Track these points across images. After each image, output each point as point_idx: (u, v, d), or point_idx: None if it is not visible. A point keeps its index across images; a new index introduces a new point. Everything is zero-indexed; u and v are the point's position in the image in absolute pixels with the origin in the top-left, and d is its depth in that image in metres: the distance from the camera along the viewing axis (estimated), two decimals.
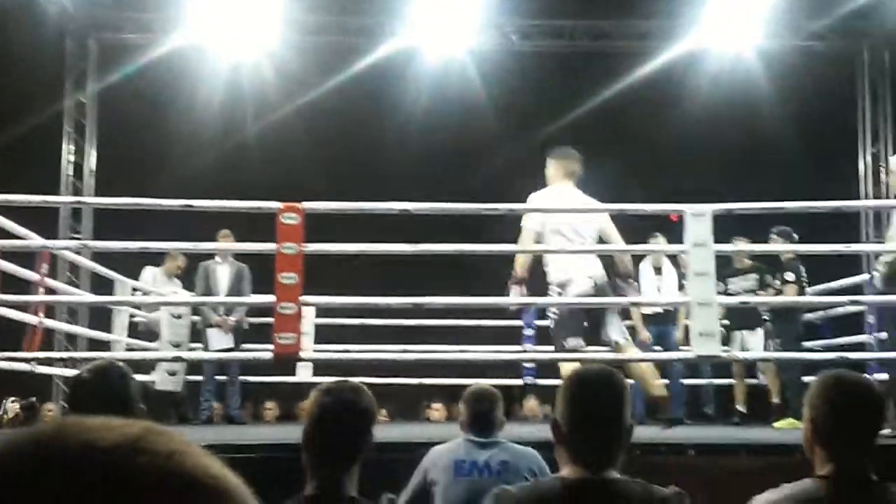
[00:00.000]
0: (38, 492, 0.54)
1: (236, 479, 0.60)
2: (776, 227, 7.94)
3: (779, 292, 8.12)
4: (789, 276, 8.10)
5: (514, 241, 6.32)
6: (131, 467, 0.56)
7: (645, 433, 6.27)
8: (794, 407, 7.58)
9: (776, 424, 7.82)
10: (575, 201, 6.33)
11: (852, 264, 9.72)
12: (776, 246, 7.94)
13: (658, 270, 8.47)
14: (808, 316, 9.06)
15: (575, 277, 6.18)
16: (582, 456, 2.20)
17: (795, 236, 7.93)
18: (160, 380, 8.17)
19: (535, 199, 6.27)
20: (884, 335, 8.84)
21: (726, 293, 8.27)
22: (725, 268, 8.45)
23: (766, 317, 8.36)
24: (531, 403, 9.37)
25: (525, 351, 8.98)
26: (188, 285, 8.61)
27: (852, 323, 9.14)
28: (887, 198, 9.49)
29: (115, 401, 2.69)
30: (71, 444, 0.57)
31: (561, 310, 6.14)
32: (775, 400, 8.37)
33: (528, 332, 9.05)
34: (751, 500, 2.35)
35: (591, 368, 2.35)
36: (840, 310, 9.03)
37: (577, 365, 5.87)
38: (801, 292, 8.12)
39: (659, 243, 8.05)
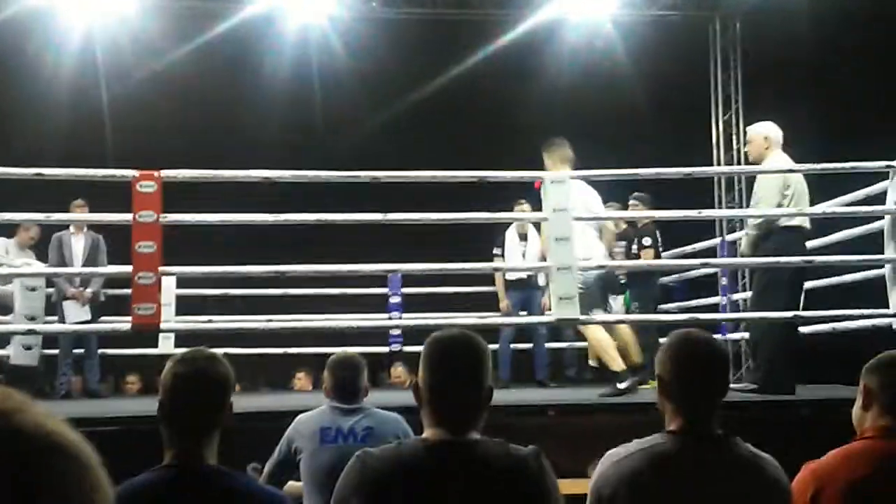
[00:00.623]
0: None
1: (77, 435, 0.61)
2: (634, 192, 8.15)
3: (637, 256, 8.33)
4: (646, 241, 8.31)
5: (379, 209, 6.35)
6: None
7: (508, 396, 6.43)
8: (651, 368, 7.82)
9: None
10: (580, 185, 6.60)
11: (705, 228, 10.07)
12: (633, 213, 8.15)
13: (523, 237, 8.58)
14: (664, 279, 9.33)
15: (595, 255, 6.62)
16: (443, 418, 2.23)
17: (652, 201, 8.16)
18: (15, 354, 7.91)
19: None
20: (742, 295, 9.24)
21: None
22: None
23: (622, 280, 8.56)
24: (398, 370, 9.43)
25: (391, 318, 9.02)
26: (42, 257, 8.35)
27: (706, 284, 9.47)
28: (745, 164, 9.89)
29: None
30: None
31: (588, 284, 6.39)
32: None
33: (395, 299, 9.09)
34: (604, 455, 2.43)
35: (450, 333, 2.37)
36: (694, 273, 9.34)
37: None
38: (657, 256, 8.36)
39: (524, 210, 8.17)
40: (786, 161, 6.49)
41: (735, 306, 9.07)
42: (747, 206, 7.33)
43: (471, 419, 2.24)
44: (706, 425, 2.38)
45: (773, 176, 6.42)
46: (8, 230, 8.39)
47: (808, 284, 6.87)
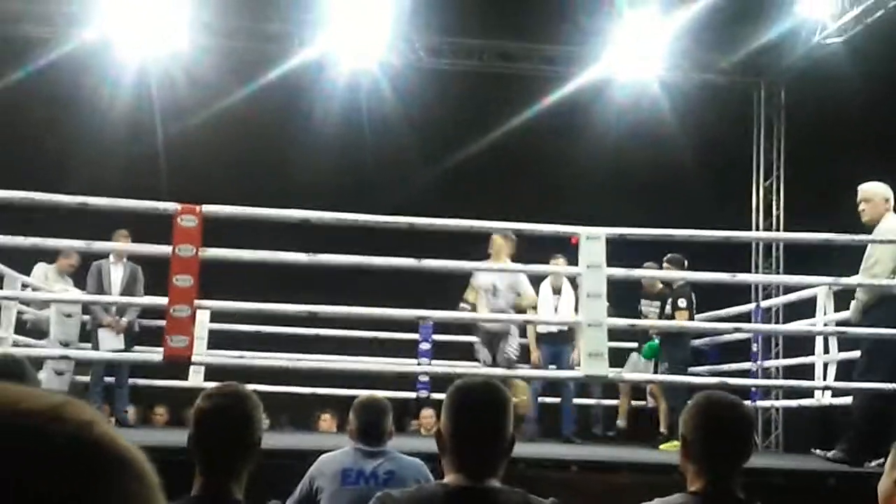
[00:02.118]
0: None
1: (140, 451, 0.63)
2: (668, 254, 8.13)
3: (671, 317, 8.28)
4: (682, 302, 8.26)
5: (416, 255, 6.39)
6: (49, 432, 0.59)
7: (534, 449, 6.39)
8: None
9: (662, 447, 7.97)
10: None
11: (741, 293, 10.00)
12: (667, 273, 8.12)
13: (557, 291, 8.56)
14: (696, 342, 9.27)
15: None
16: (463, 465, 2.23)
17: (685, 262, 8.12)
18: (47, 379, 7.96)
19: None
20: (774, 363, 9.16)
21: (642, 315, 8.47)
22: (639, 290, 8.65)
23: (656, 338, 8.52)
24: (427, 413, 9.42)
25: (420, 364, 9.00)
26: (80, 284, 8.44)
27: (739, 350, 9.39)
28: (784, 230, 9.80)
29: None
30: None
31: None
32: (663, 430, 8.49)
33: (425, 346, 9.08)
34: None
35: (473, 381, 2.39)
36: (726, 337, 9.27)
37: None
38: (691, 318, 8.31)
39: (559, 265, 8.16)
40: None
41: (766, 373, 8.98)
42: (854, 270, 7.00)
43: (491, 467, 2.24)
44: (727, 487, 2.38)
45: (888, 241, 6.26)
46: (50, 257, 8.50)
47: None
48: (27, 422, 0.59)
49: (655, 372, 8.44)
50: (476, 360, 8.05)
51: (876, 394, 6.09)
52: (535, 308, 8.19)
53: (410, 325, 9.07)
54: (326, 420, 9.68)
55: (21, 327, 8.58)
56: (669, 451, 7.38)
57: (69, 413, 0.61)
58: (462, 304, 7.91)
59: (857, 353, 6.80)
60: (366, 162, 11.88)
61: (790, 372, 8.81)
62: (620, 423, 8.84)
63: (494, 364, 7.76)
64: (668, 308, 8.36)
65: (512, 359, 7.90)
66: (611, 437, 8.79)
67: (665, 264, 8.16)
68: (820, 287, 7.52)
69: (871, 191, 6.44)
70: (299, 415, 10.27)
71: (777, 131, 11.68)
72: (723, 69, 11.46)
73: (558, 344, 8.58)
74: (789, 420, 10.14)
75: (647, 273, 7.95)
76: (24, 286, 8.53)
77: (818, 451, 6.08)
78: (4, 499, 0.56)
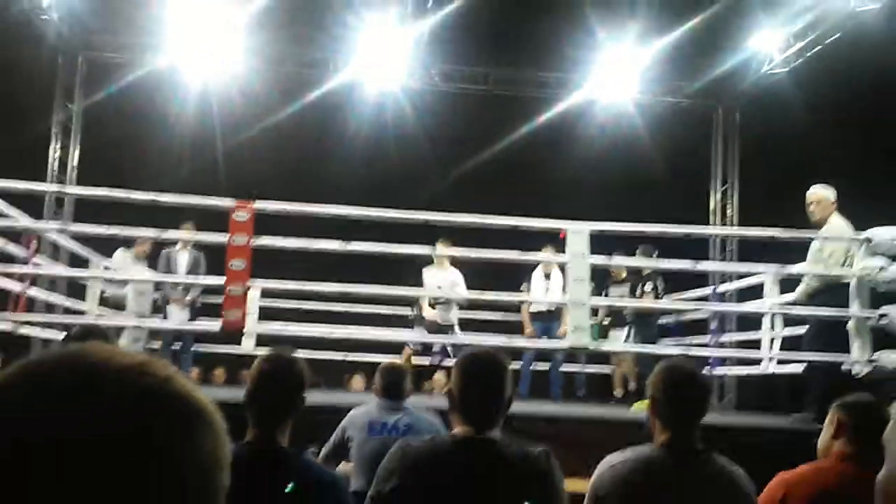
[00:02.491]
0: (63, 391, 0.58)
1: (211, 402, 0.64)
2: (640, 244, 8.10)
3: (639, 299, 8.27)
4: (648, 286, 8.26)
5: (427, 244, 6.43)
6: (138, 383, 0.60)
7: (527, 408, 6.39)
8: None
9: (633, 406, 7.97)
10: None
11: (702, 279, 10.00)
12: (640, 261, 8.10)
13: (547, 276, 8.56)
14: (663, 319, 9.27)
15: None
16: (469, 419, 2.25)
17: (655, 251, 8.09)
18: (125, 345, 8.01)
19: None
20: (728, 337, 9.14)
21: (608, 297, 8.46)
22: (607, 278, 8.63)
23: (629, 319, 8.51)
24: (438, 379, 9.41)
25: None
26: (153, 267, 8.47)
27: (698, 326, 9.39)
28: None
29: None
30: (92, 360, 0.61)
31: None
32: (632, 385, 8.53)
33: None
34: (603, 459, 2.43)
35: (480, 351, 2.41)
36: (689, 315, 9.28)
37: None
38: (657, 300, 8.29)
39: (548, 254, 8.15)
40: (846, 224, 6.29)
41: (721, 346, 8.97)
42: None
43: (492, 421, 2.26)
44: (689, 440, 2.39)
45: (839, 238, 6.24)
46: (128, 244, 8.53)
47: None
48: (119, 375, 0.60)
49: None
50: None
51: (825, 364, 6.05)
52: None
53: None
54: (357, 381, 9.69)
55: (104, 302, 8.64)
56: (640, 410, 7.39)
57: (154, 368, 0.62)
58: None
59: (799, 329, 6.80)
60: (389, 168, 11.89)
61: (741, 345, 8.78)
62: (617, 393, 8.82)
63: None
64: (638, 291, 8.35)
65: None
66: (592, 399, 8.76)
67: (637, 252, 8.12)
68: (766, 274, 7.50)
69: (819, 193, 6.35)
70: (333, 376, 10.30)
71: (732, 146, 11.66)
72: (687, 94, 11.43)
73: (549, 321, 8.58)
74: (740, 385, 10.13)
75: (623, 261, 7.91)
76: (106, 268, 8.58)
77: (793, 416, 5.96)
78: (99, 438, 0.57)
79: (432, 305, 8.14)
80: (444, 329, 8.09)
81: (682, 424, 2.40)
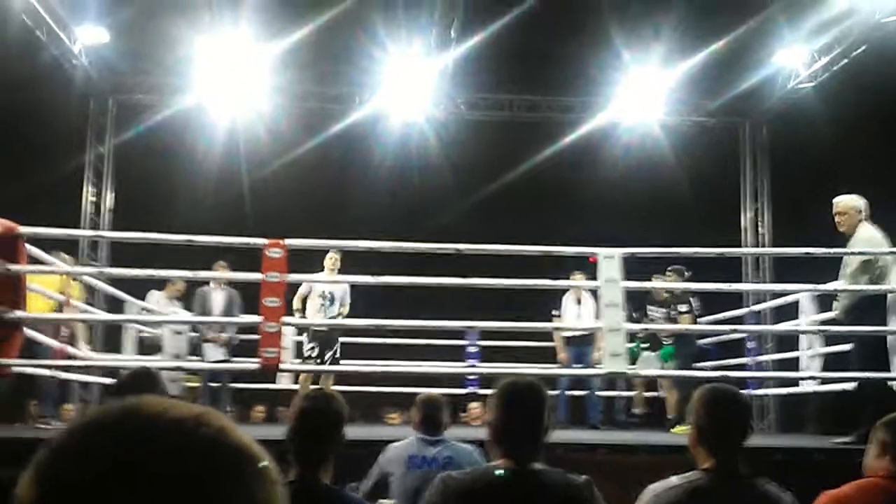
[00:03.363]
0: (123, 442, 0.61)
1: (266, 452, 0.67)
2: (670, 266, 8.04)
3: (675, 321, 8.19)
4: (683, 307, 8.16)
5: (462, 275, 6.43)
6: (194, 434, 0.63)
7: (566, 435, 6.35)
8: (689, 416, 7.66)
9: (673, 430, 7.88)
10: None
11: (736, 299, 9.91)
12: (674, 283, 8.05)
13: (578, 302, 8.54)
14: (700, 342, 9.20)
15: None
16: (510, 450, 2.26)
17: (687, 273, 8.02)
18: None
19: None
20: (766, 357, 9.05)
21: (649, 319, 8.32)
22: (646, 297, 8.53)
23: (667, 341, 8.40)
24: (475, 408, 9.40)
25: (469, 366, 8.98)
26: (188, 307, 8.55)
27: (735, 347, 9.29)
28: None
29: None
30: (149, 413, 0.64)
31: None
32: (670, 416, 8.36)
33: (472, 349, 9.07)
34: (647, 488, 2.42)
35: (518, 379, 2.41)
36: (725, 336, 9.19)
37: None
38: (694, 320, 8.20)
39: (578, 279, 8.14)
40: (878, 234, 6.05)
41: (760, 367, 8.88)
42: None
43: (533, 451, 2.26)
44: (734, 464, 2.38)
45: (864, 250, 6.01)
46: (159, 284, 8.63)
47: None
48: (178, 426, 0.63)
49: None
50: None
51: (876, 382, 5.88)
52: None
53: (458, 333, 9.07)
54: (393, 416, 9.71)
55: (141, 343, 8.74)
56: (681, 434, 7.32)
57: (209, 419, 0.65)
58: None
59: (840, 347, 6.68)
60: (414, 197, 11.97)
61: (781, 365, 8.69)
62: (637, 410, 8.75)
63: (322, 360, 7.78)
64: (671, 312, 8.28)
65: (338, 357, 7.90)
66: (630, 423, 8.69)
67: (667, 273, 8.07)
68: (802, 293, 7.44)
69: (846, 203, 6.12)
70: (369, 410, 10.30)
71: (761, 163, 11.61)
72: (712, 112, 11.42)
73: (582, 346, 8.54)
74: (781, 405, 10.01)
75: (656, 285, 7.85)
76: (142, 310, 8.68)
77: (837, 440, 5.80)
78: (161, 487, 0.59)
79: None
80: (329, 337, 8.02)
81: (726, 449, 2.39)
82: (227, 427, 0.65)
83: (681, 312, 8.14)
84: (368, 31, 9.67)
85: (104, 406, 0.65)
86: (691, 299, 8.25)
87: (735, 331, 8.75)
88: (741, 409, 2.48)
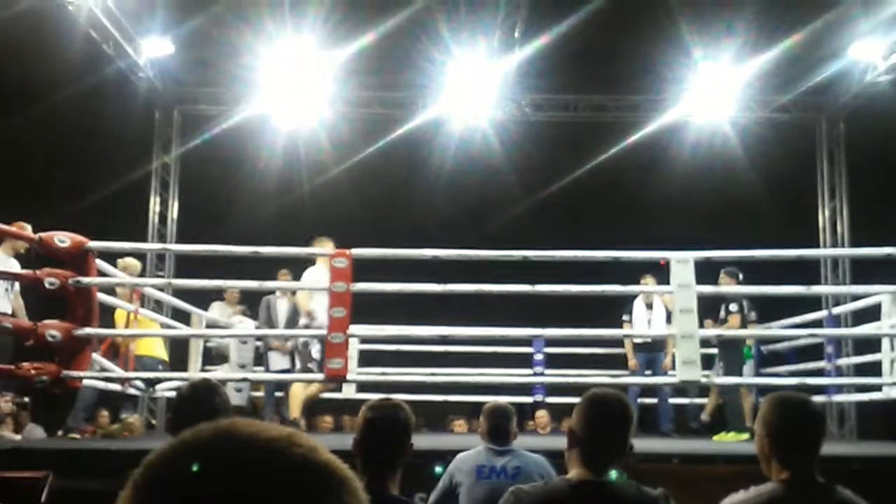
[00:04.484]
0: (218, 465, 0.64)
1: (352, 471, 0.70)
2: (724, 267, 7.69)
3: (724, 321, 7.92)
4: (732, 307, 7.92)
5: (528, 282, 6.41)
6: (286, 454, 0.66)
7: (637, 444, 6.28)
8: (732, 423, 7.55)
9: (716, 437, 7.72)
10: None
11: (814, 302, 9.71)
12: (748, 287, 7.87)
13: (649, 306, 8.47)
14: (776, 346, 9.03)
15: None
16: (588, 461, 2.26)
17: (740, 274, 7.78)
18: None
19: None
20: (846, 361, 8.84)
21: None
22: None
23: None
24: (542, 416, 9.38)
25: (535, 374, 8.97)
26: (253, 315, 8.69)
27: (815, 351, 9.08)
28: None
29: (211, 410, 2.71)
30: (242, 435, 0.67)
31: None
32: (704, 417, 8.19)
33: (539, 357, 9.05)
34: (723, 500, 2.41)
35: (605, 391, 2.41)
36: (803, 341, 8.99)
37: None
38: (744, 321, 7.95)
39: (648, 283, 8.06)
40: None
41: (839, 371, 8.69)
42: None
43: (611, 464, 2.25)
44: (811, 474, 2.35)
45: None
46: (220, 294, 8.81)
47: None
48: (267, 446, 0.65)
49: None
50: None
51: None
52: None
53: (525, 340, 9.05)
54: (460, 424, 9.73)
55: (207, 352, 8.91)
56: (729, 442, 7.19)
57: (300, 439, 0.67)
58: None
59: None
60: (475, 199, 12.00)
61: (860, 370, 8.49)
62: (704, 417, 8.59)
63: (292, 362, 7.85)
64: (721, 313, 8.04)
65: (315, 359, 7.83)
66: (696, 430, 8.52)
67: (722, 276, 7.81)
68: (884, 294, 7.26)
69: None
70: (434, 420, 10.34)
71: (838, 159, 11.36)
72: (786, 107, 11.22)
73: (652, 352, 8.48)
74: (861, 412, 9.77)
75: (731, 289, 7.65)
76: (211, 325, 8.85)
77: None
78: (260, 502, 0.62)
79: None
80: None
81: (802, 458, 2.36)
82: (317, 447, 0.68)
83: (730, 312, 7.87)
84: (431, 35, 9.74)
85: (196, 429, 0.68)
86: (743, 300, 8.01)
87: (814, 335, 8.55)
88: (814, 415, 2.45)
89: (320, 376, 6.13)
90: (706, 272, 6.76)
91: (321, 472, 0.66)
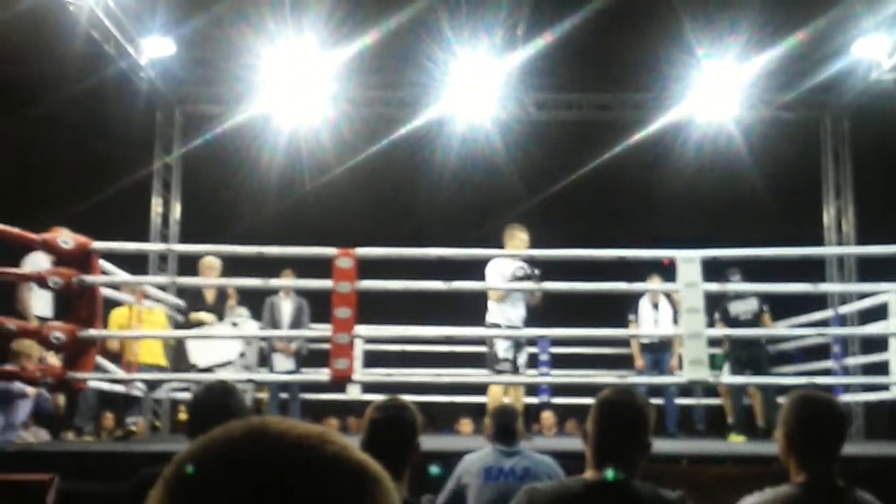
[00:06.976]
0: (251, 462, 0.63)
1: (384, 470, 0.69)
2: (730, 268, 7.70)
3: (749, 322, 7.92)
4: (765, 306, 7.97)
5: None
6: (319, 451, 0.65)
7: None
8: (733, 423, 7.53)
9: (730, 438, 7.70)
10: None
11: (819, 301, 9.68)
12: (756, 285, 7.87)
13: (655, 306, 8.45)
14: (783, 346, 9.01)
15: None
16: (604, 462, 2.24)
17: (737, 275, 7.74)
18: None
19: None
20: (853, 360, 8.83)
21: (727, 316, 8.07)
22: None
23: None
24: (547, 418, 9.37)
25: (543, 374, 8.96)
26: (256, 316, 8.68)
27: (821, 350, 9.07)
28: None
29: (227, 411, 2.68)
30: (273, 432, 0.66)
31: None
32: (730, 420, 8.17)
33: (544, 357, 9.05)
34: (740, 502, 2.39)
35: (620, 391, 2.39)
36: (809, 340, 8.98)
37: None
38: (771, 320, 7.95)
39: (654, 283, 8.04)
40: None
41: (846, 371, 8.68)
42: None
43: (628, 466, 2.24)
44: (830, 476, 2.33)
45: None
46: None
47: None
48: (300, 443, 0.65)
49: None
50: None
51: None
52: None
53: (531, 342, 9.02)
54: (465, 424, 9.72)
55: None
56: (735, 443, 7.18)
57: (332, 437, 0.67)
58: None
59: None
60: (478, 197, 11.99)
61: (867, 369, 8.48)
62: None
63: (296, 364, 7.90)
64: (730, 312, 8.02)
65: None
66: (714, 433, 8.50)
67: (731, 274, 7.78)
68: (892, 293, 7.25)
69: None
70: (440, 420, 10.33)
71: (843, 157, 11.33)
72: (790, 105, 11.19)
73: (658, 352, 8.47)
74: (868, 412, 9.76)
75: (738, 287, 7.65)
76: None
77: None
78: (293, 499, 0.62)
79: None
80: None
81: (821, 460, 2.33)
82: (349, 445, 0.67)
83: (763, 311, 7.95)
84: (433, 33, 9.72)
85: (227, 427, 0.67)
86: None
87: (821, 334, 8.54)
88: (836, 415, 2.41)
89: (324, 378, 6.11)
90: (707, 271, 6.75)
91: (355, 470, 0.66)
